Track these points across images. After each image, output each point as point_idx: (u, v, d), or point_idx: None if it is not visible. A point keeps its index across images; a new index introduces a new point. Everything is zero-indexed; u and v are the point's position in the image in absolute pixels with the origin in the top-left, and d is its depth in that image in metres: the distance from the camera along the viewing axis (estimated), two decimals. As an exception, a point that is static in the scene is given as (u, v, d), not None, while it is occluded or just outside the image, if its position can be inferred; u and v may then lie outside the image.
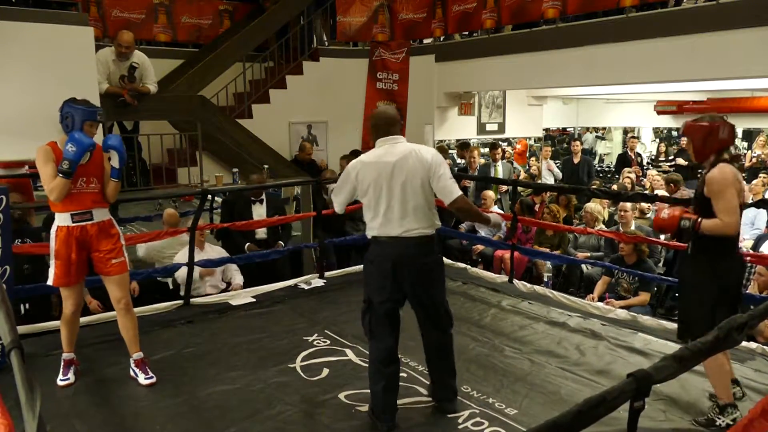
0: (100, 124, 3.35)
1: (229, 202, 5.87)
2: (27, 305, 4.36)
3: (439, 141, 8.53)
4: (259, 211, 5.64)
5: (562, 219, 6.71)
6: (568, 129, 14.64)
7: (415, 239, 2.88)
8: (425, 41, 8.33)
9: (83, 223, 3.25)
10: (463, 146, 8.63)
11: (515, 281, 5.21)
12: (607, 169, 13.10)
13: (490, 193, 6.99)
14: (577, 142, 9.30)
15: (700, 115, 3.06)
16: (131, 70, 5.46)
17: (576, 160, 8.87)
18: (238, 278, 5.25)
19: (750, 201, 4.73)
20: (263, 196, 5.70)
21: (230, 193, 5.87)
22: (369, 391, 3.20)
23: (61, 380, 3.36)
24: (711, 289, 2.81)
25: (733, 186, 2.76)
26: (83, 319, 4.10)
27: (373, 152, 2.92)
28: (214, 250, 5.29)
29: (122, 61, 5.45)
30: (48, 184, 3.12)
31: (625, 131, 14.79)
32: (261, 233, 5.70)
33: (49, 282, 3.29)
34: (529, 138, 12.14)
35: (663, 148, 12.01)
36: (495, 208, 6.86)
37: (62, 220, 3.24)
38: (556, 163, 10.57)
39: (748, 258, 4.40)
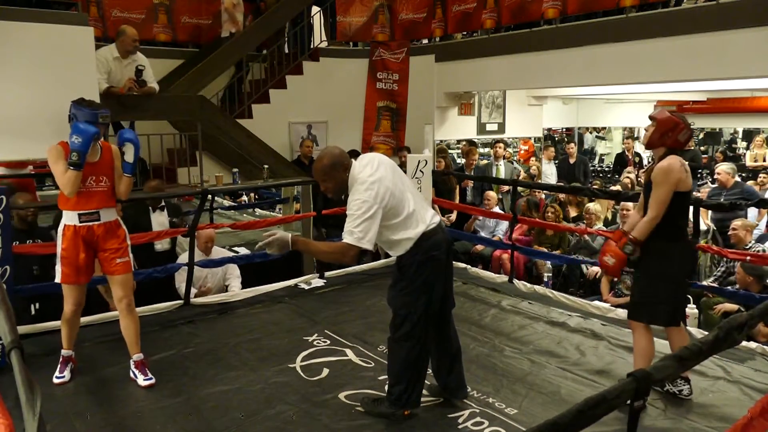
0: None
1: (125, 210, 5.31)
2: (37, 305, 4.32)
3: (440, 141, 8.53)
4: (160, 219, 5.19)
5: (571, 218, 6.71)
6: (570, 129, 14.60)
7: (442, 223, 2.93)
8: (425, 41, 8.33)
9: (90, 224, 3.26)
10: (471, 145, 8.68)
11: (515, 281, 5.21)
12: (606, 169, 13.09)
13: (492, 194, 6.98)
14: (571, 144, 9.38)
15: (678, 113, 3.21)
16: (138, 74, 5.35)
17: (572, 160, 8.88)
18: (236, 283, 5.10)
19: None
20: (163, 203, 5.26)
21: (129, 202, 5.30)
22: (370, 390, 3.21)
23: (56, 378, 3.35)
24: (661, 272, 3.03)
25: (676, 180, 2.94)
26: (84, 319, 4.10)
27: (365, 169, 2.75)
28: (220, 254, 5.20)
29: (127, 58, 5.35)
30: (60, 179, 3.13)
31: (631, 134, 14.75)
32: (163, 244, 5.18)
33: (57, 279, 3.29)
34: (529, 138, 12.14)
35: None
36: (497, 209, 6.86)
37: (70, 218, 3.25)
38: (555, 163, 10.57)
39: (748, 258, 4.40)
